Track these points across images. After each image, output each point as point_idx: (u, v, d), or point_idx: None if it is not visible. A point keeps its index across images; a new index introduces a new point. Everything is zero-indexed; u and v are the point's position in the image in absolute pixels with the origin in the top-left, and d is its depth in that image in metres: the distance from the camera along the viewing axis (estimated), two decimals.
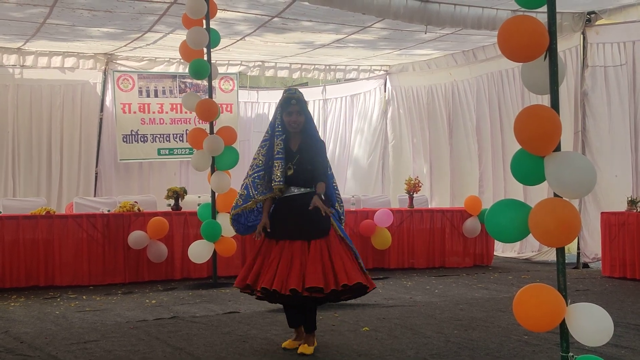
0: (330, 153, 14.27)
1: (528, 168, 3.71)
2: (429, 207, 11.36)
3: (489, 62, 11.81)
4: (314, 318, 5.15)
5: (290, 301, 4.99)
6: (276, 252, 5.02)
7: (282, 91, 5.29)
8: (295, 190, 5.14)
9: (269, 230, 5.14)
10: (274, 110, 5.36)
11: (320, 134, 13.96)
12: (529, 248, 11.36)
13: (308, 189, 5.14)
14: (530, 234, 3.68)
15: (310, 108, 14.07)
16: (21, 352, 5.13)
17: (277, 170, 5.12)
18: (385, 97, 13.99)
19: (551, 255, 10.71)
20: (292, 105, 5.16)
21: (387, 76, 13.99)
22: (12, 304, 7.33)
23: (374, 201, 10.97)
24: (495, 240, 10.69)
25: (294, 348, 5.13)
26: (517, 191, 10.73)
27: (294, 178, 5.13)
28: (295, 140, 5.22)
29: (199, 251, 8.29)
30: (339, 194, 5.44)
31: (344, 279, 4.89)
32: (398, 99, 13.81)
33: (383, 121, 14.03)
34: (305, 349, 5.01)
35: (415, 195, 10.58)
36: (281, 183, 5.12)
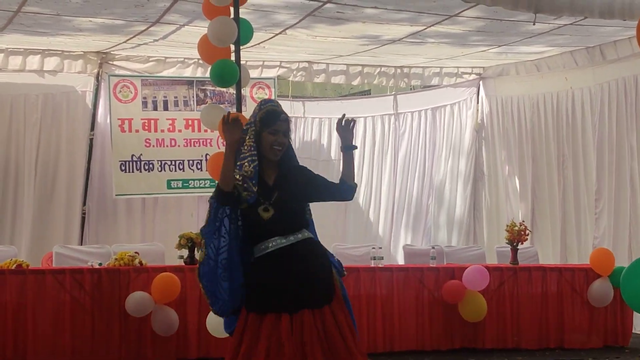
0: (409, 191, 14.16)
1: None
2: (540, 263, 11.24)
3: (621, 63, 11.67)
4: None
5: None
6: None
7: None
8: (282, 242, 5.15)
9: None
10: (243, 130, 5.31)
11: (388, 159, 14.14)
12: None
13: (298, 237, 5.18)
14: None
15: (377, 124, 14.43)
16: None
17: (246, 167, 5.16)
18: (478, 110, 13.95)
19: None
20: (281, 121, 5.25)
21: (481, 82, 13.97)
22: None
23: (463, 254, 10.91)
24: (635, 312, 10.52)
25: None
26: None
27: (273, 224, 5.16)
28: (270, 170, 5.28)
29: (221, 321, 8.30)
30: None
31: None
32: (493, 113, 13.78)
33: (475, 144, 14.00)
34: None
35: (520, 246, 10.49)
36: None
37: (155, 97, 12.28)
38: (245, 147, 5.21)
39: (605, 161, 11.95)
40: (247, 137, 5.23)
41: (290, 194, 5.20)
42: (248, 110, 8.31)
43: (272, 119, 5.20)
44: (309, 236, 5.26)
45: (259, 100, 5.41)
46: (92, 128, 12.29)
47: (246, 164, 5.16)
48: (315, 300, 5.12)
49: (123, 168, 12.06)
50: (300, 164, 5.50)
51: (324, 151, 13.49)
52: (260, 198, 5.14)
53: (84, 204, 12.23)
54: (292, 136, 5.45)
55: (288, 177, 5.26)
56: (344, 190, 5.34)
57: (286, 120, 5.27)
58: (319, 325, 5.07)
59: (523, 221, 10.82)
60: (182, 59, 12.50)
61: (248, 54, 11.23)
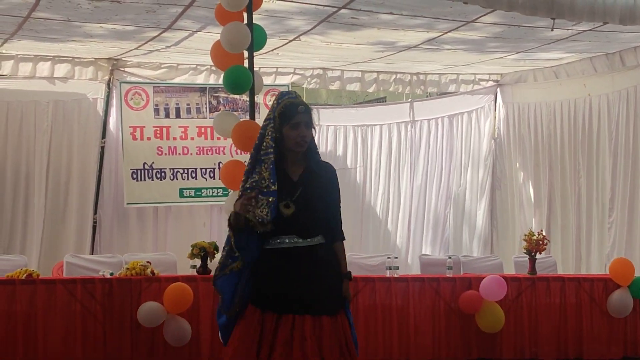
0: (427, 200, 14.14)
1: None
2: (558, 273, 11.22)
3: None
4: None
5: None
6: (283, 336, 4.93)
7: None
8: (298, 241, 5.07)
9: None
10: (262, 126, 5.25)
11: (405, 167, 14.11)
12: None
13: (315, 240, 5.11)
14: None
15: (393, 132, 14.39)
16: None
17: (263, 207, 5.01)
18: (496, 118, 13.95)
19: None
20: (300, 113, 5.16)
21: (498, 89, 13.97)
22: None
23: (480, 264, 10.88)
24: None
25: None
26: None
27: (294, 221, 5.08)
28: (295, 166, 5.21)
29: None
30: None
31: None
32: (510, 120, 13.78)
33: (493, 152, 14.00)
34: None
35: (538, 256, 10.48)
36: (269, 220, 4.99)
37: (167, 104, 12.30)
38: (264, 146, 5.14)
39: (620, 170, 11.91)
40: (266, 135, 5.16)
41: (314, 191, 5.13)
42: (261, 118, 8.34)
43: (290, 113, 5.12)
44: (324, 241, 5.16)
45: (278, 93, 5.31)
46: (104, 136, 12.29)
47: (264, 167, 5.08)
48: (329, 307, 5.06)
49: (135, 176, 12.08)
50: None
51: (339, 160, 13.40)
52: (282, 194, 5.04)
53: (95, 212, 12.24)
54: None
55: (314, 173, 5.19)
56: (335, 232, 5.27)
57: (305, 110, 5.19)
58: (337, 331, 5.03)
59: (542, 230, 10.79)
60: (195, 66, 12.53)
61: (261, 61, 11.25)
